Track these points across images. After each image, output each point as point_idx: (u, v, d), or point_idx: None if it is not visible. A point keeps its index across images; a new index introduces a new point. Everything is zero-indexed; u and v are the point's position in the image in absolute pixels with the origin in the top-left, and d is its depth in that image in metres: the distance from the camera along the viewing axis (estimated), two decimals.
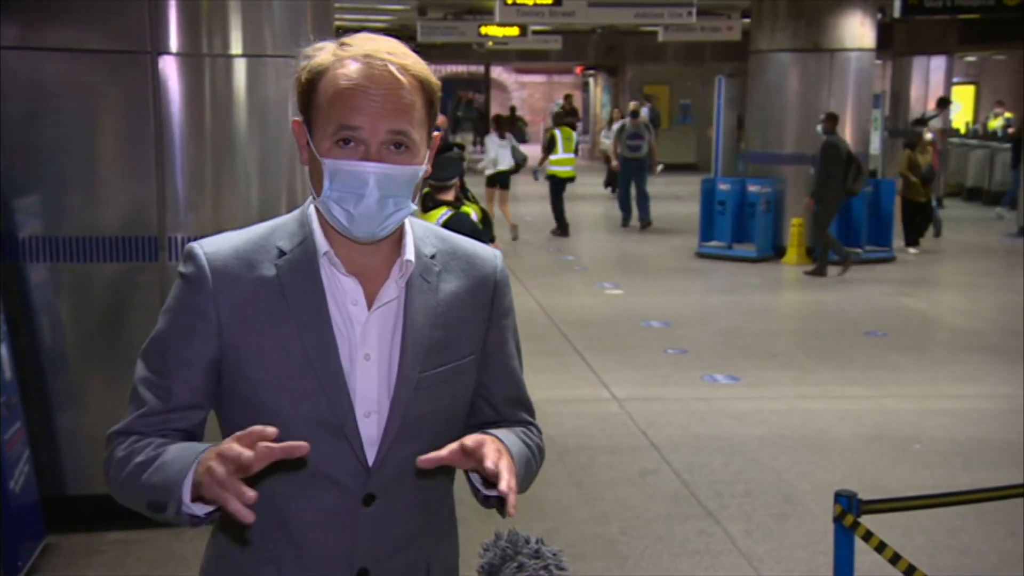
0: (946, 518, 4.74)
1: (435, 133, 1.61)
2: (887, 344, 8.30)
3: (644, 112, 17.23)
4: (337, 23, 7.20)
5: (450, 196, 5.76)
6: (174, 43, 4.43)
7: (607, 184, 19.43)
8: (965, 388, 7.10)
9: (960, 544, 4.61)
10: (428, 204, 5.80)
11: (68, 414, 4.53)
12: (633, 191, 15.09)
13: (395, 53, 1.55)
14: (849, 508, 3.10)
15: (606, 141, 18.87)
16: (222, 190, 4.62)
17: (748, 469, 5.52)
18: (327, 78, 1.54)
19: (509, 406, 1.77)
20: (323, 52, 1.56)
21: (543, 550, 1.61)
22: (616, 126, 15.48)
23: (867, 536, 3.08)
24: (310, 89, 1.55)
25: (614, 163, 16.06)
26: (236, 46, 4.53)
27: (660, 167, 15.65)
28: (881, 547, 3.05)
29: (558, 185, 14.40)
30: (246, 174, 4.66)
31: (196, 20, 4.48)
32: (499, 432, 1.62)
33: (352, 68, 1.52)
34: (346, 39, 1.57)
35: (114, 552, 4.36)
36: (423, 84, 1.55)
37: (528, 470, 1.68)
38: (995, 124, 20.66)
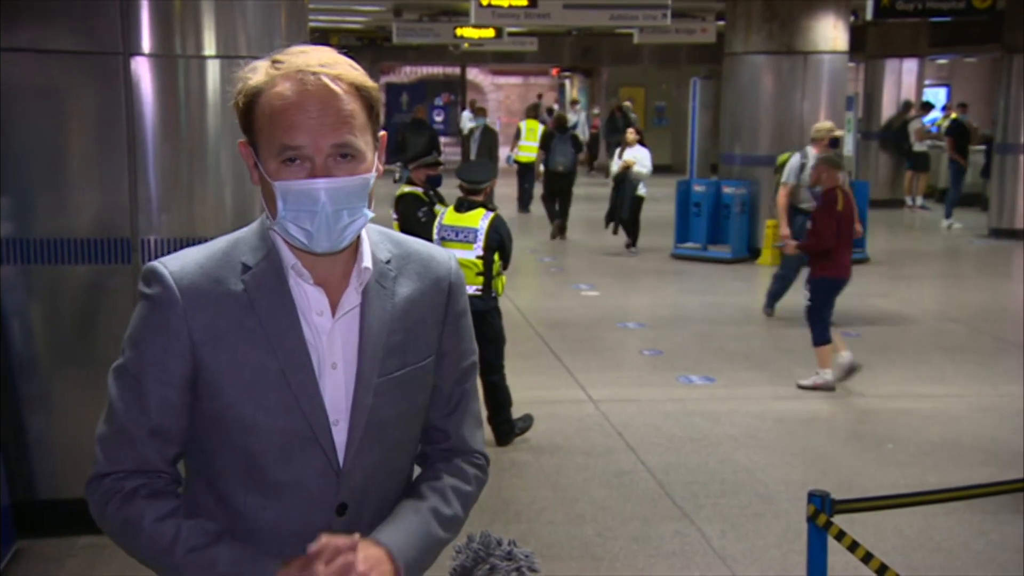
0: (918, 517, 4.78)
1: (381, 133, 1.62)
2: (860, 344, 8.35)
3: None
4: (312, 24, 7.16)
5: (481, 198, 5.85)
6: (146, 44, 4.40)
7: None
8: (936, 388, 7.16)
9: (931, 543, 4.65)
10: (464, 206, 5.80)
11: (39, 418, 4.49)
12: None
13: (327, 64, 1.54)
14: (822, 508, 3.12)
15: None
16: (195, 192, 4.59)
17: (723, 469, 5.54)
18: (263, 99, 1.54)
19: (454, 424, 1.75)
20: (257, 73, 1.56)
21: (516, 552, 1.62)
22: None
23: (840, 535, 3.10)
24: (248, 112, 1.56)
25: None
26: (209, 47, 4.50)
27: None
28: (854, 546, 3.08)
29: (523, 168, 16.52)
30: (219, 176, 4.63)
31: (169, 21, 4.45)
32: (392, 529, 1.61)
33: (286, 86, 1.53)
34: (278, 55, 1.57)
35: (85, 557, 4.33)
36: (359, 90, 1.56)
37: (431, 551, 1.66)
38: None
